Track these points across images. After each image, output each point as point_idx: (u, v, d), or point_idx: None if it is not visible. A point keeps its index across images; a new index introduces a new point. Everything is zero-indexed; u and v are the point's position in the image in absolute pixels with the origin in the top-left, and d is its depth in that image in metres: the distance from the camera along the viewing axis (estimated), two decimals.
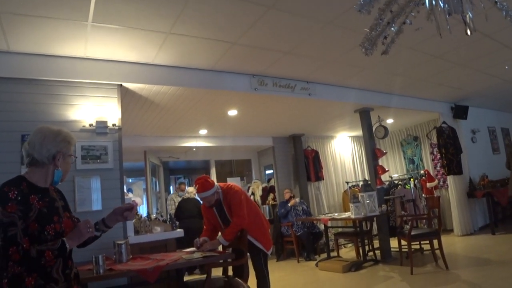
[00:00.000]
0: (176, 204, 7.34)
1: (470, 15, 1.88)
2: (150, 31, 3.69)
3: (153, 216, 5.28)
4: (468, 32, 1.93)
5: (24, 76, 3.80)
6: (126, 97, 4.71)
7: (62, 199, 2.02)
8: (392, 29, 2.10)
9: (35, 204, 1.78)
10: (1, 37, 3.45)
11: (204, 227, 4.01)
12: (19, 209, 1.71)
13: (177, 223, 5.03)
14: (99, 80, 4.18)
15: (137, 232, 4.50)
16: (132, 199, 5.42)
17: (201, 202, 3.98)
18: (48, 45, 3.73)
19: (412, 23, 2.10)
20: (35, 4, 3.02)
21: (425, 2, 1.91)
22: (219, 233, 3.88)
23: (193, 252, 3.52)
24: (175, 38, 3.91)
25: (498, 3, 1.96)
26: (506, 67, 6.23)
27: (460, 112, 8.32)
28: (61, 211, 1.92)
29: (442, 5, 1.82)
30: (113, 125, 4.14)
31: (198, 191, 3.76)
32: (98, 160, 4.01)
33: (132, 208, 2.12)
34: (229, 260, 3.59)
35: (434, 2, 1.86)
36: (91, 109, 4.08)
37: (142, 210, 7.67)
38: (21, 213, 1.71)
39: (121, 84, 4.33)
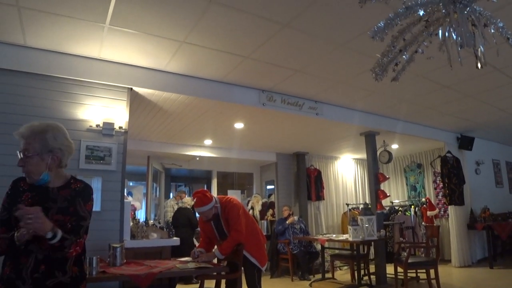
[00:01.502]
0: (174, 211, 7.32)
1: (482, 49, 1.90)
2: (165, 38, 3.74)
3: (151, 222, 5.27)
4: (479, 65, 1.94)
5: (36, 71, 3.85)
6: (135, 101, 4.75)
7: (69, 201, 1.95)
8: (404, 56, 2.12)
9: (26, 201, 1.87)
10: (19, 31, 3.51)
11: (201, 239, 3.99)
12: (7, 201, 1.91)
13: (174, 231, 5.01)
14: (110, 82, 4.22)
15: (133, 236, 4.49)
16: (132, 203, 5.44)
17: (197, 214, 3.96)
18: (63, 43, 3.79)
19: (424, 52, 2.12)
20: (56, 2, 3.08)
21: (439, 33, 1.93)
22: (215, 247, 3.86)
23: (187, 261, 3.51)
24: (188, 47, 3.95)
25: (510, 40, 1.97)
26: None
27: (465, 142, 8.31)
28: (50, 212, 1.87)
29: (454, 37, 1.84)
30: (120, 127, 4.17)
31: (195, 206, 3.73)
32: (101, 161, 4.03)
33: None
34: (223, 273, 3.57)
35: (447, 34, 1.88)
36: (99, 110, 4.12)
37: (140, 215, 7.65)
38: (7, 205, 1.90)
39: (131, 88, 4.37)
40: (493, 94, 5.80)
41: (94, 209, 3.76)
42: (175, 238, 4.75)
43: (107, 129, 4.09)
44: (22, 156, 1.90)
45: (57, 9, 3.18)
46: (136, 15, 3.30)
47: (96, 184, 3.95)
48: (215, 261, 3.81)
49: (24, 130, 1.92)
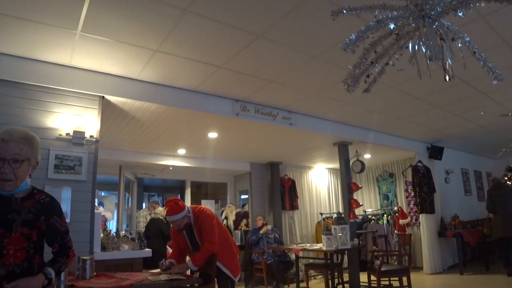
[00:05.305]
0: (147, 222, 7.18)
1: (450, 62, 1.96)
2: (138, 46, 3.69)
3: (122, 233, 5.16)
4: (447, 78, 2.00)
5: (4, 78, 3.71)
6: (107, 109, 4.65)
7: (34, 214, 1.86)
8: (375, 68, 2.16)
9: None
10: None
11: (172, 249, 3.93)
12: None
13: (146, 242, 4.91)
14: (82, 90, 4.12)
15: (104, 248, 4.37)
16: (102, 214, 5.31)
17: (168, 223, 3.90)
18: (33, 49, 3.68)
19: (395, 64, 2.17)
20: (26, 8, 3.00)
21: (409, 46, 1.97)
22: (187, 257, 3.80)
23: (159, 273, 3.44)
24: (162, 56, 3.92)
25: (477, 53, 2.04)
26: (482, 113, 6.47)
27: (435, 152, 8.53)
28: (15, 224, 1.78)
29: (424, 50, 1.88)
30: (91, 136, 4.07)
31: (167, 214, 3.67)
32: (72, 171, 3.92)
33: None
34: (196, 284, 3.52)
35: (416, 47, 1.93)
36: (69, 118, 4.01)
37: (112, 226, 7.48)
38: None
39: (103, 96, 4.29)
40: (461, 105, 5.99)
41: None
42: (147, 249, 4.66)
43: (77, 138, 3.98)
44: (10, 161, 1.75)
45: (27, 15, 3.09)
46: (109, 22, 3.25)
47: (65, 195, 3.83)
48: (188, 272, 3.75)
49: (14, 133, 1.78)
